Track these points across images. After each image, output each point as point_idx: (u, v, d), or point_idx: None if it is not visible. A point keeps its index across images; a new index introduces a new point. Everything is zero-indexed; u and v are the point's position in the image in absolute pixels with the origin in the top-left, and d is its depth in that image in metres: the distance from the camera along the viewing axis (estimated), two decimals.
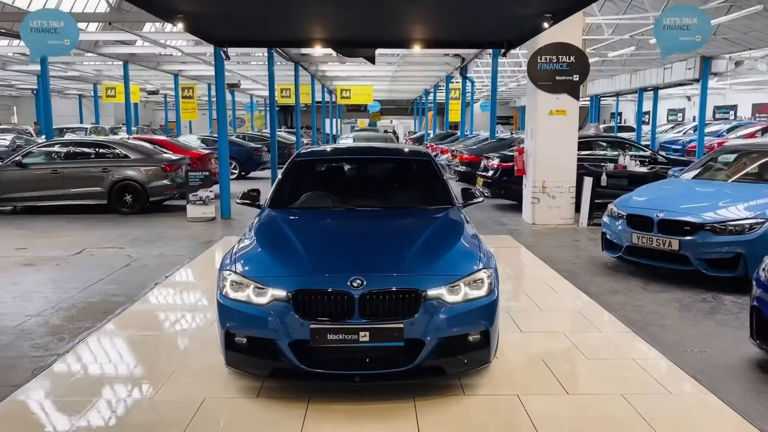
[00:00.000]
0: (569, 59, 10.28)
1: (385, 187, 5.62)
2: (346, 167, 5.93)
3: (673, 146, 24.78)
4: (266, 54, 17.64)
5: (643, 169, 10.64)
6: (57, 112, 41.65)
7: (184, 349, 4.87)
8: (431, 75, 28.36)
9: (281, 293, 3.77)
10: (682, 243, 6.46)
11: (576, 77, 10.33)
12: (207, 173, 11.30)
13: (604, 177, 10.40)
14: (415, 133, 42.26)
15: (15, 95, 43.68)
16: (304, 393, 3.95)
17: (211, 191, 11.27)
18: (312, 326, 3.68)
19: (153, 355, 4.73)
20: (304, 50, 19.07)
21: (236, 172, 19.65)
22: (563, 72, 10.30)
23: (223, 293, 3.95)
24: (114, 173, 11.82)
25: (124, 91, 21.74)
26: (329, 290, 3.73)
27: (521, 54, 24.04)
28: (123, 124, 40.03)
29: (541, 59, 10.28)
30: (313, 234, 4.56)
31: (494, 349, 4.01)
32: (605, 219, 7.59)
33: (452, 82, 27.48)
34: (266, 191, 5.80)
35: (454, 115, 27.96)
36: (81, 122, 37.64)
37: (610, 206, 7.57)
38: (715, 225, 6.33)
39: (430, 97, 36.41)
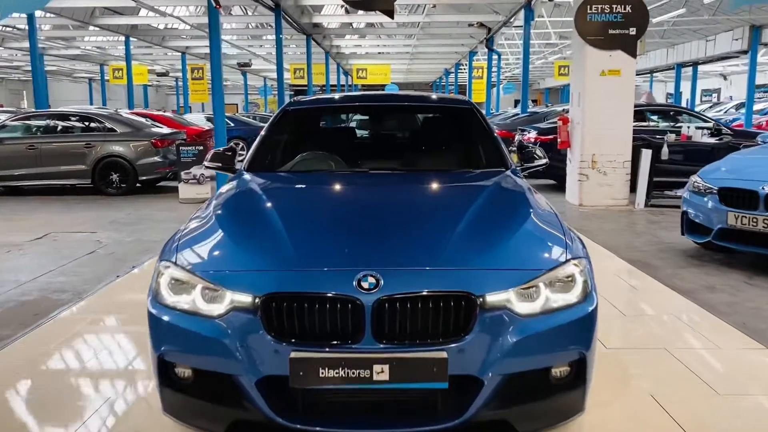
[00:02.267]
0: (624, 9, 8.63)
1: (411, 144, 4.11)
2: (357, 119, 4.41)
3: None
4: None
5: (712, 140, 8.99)
6: (66, 96, 40.98)
7: (114, 389, 3.39)
8: (453, 51, 26.66)
9: (245, 298, 2.29)
10: None
11: (632, 30, 8.68)
12: (201, 148, 9.85)
13: (665, 149, 8.77)
14: None
15: (25, 79, 42.64)
16: None
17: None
18: (293, 355, 2.20)
19: (66, 395, 3.26)
20: (316, 18, 17.51)
21: (244, 152, 18.27)
22: (617, 24, 8.66)
23: (157, 297, 2.48)
24: (98, 149, 10.40)
25: (126, 69, 20.34)
26: (322, 294, 2.24)
27: (549, 23, 22.27)
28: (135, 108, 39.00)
29: (591, 9, 8.64)
30: (304, 208, 3.04)
31: (589, 388, 2.49)
32: (686, 195, 6.01)
33: (475, 59, 25.76)
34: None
35: (477, 95, 26.26)
36: (92, 105, 36.52)
37: (693, 179, 5.98)
38: None
39: (451, 78, 34.68)
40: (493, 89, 24.24)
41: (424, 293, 2.23)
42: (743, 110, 24.11)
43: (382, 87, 42.43)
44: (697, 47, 23.42)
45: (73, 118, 10.94)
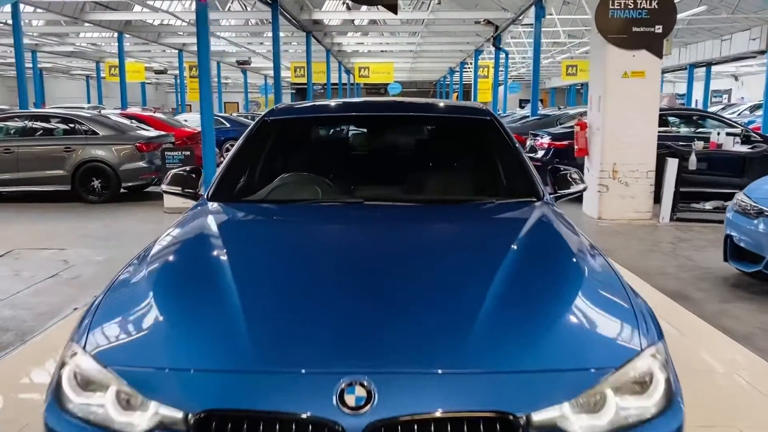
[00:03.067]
0: (650, 5, 7.86)
1: (417, 164, 3.31)
2: (352, 133, 3.64)
3: None
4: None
5: (744, 149, 8.23)
6: (63, 93, 40.28)
7: None
8: (458, 49, 25.87)
9: (175, 415, 1.55)
10: None
11: (658, 28, 7.91)
12: (188, 152, 9.11)
13: (693, 158, 8.01)
14: None
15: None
16: None
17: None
18: None
19: None
20: (316, 15, 16.76)
21: None
22: (642, 21, 7.89)
23: (57, 397, 1.73)
24: (79, 153, 9.67)
25: (119, 66, 19.63)
26: (283, 416, 1.50)
27: (558, 20, 21.50)
28: (132, 107, 38.25)
29: (613, 5, 7.88)
30: (273, 267, 2.18)
31: None
32: (730, 216, 5.25)
33: (481, 58, 24.98)
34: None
35: (483, 94, 25.49)
36: (88, 103, 35.78)
37: (739, 198, 5.23)
38: None
39: (455, 77, 33.90)
40: (500, 88, 23.37)
41: (440, 414, 1.49)
42: (758, 112, 23.36)
43: (385, 86, 41.72)
44: (711, 47, 22.63)
45: (53, 120, 10.21)
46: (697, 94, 30.00)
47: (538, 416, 1.52)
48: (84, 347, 1.76)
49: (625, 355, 1.69)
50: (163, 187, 3.11)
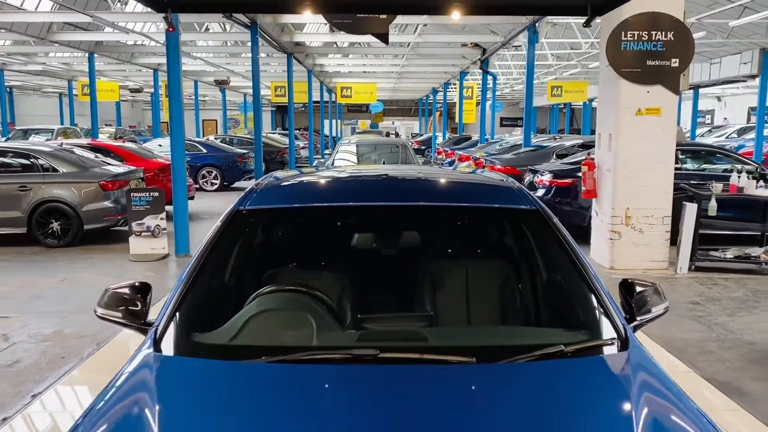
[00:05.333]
0: (666, 36, 7.20)
1: (438, 283, 2.44)
2: (354, 233, 2.76)
3: None
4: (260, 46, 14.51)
5: (767, 193, 7.57)
6: (36, 111, 39.02)
7: None
8: (443, 71, 25.26)
9: None
10: None
11: (675, 62, 7.24)
12: (157, 193, 8.21)
13: (713, 203, 7.32)
14: (420, 135, 39.05)
15: None
16: None
17: (162, 218, 8.18)
18: None
19: None
20: (297, 37, 16.00)
21: (218, 182, 16.69)
22: (657, 54, 7.22)
23: None
24: (36, 192, 8.74)
25: (89, 86, 18.66)
26: None
27: (546, 43, 20.99)
28: (107, 125, 37.03)
29: (626, 36, 7.20)
30: None
31: None
32: None
33: (466, 79, 24.39)
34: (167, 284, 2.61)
35: (467, 115, 24.88)
36: (61, 123, 34.52)
37: None
38: None
39: (439, 96, 33.30)
40: (488, 109, 22.68)
41: None
42: (746, 135, 23.01)
43: (367, 106, 41.02)
44: (700, 69, 22.24)
45: (8, 155, 9.25)
46: (687, 116, 29.69)
47: None
48: None
49: None
50: (99, 311, 2.26)
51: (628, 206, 7.46)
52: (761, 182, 7.76)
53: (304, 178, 3.24)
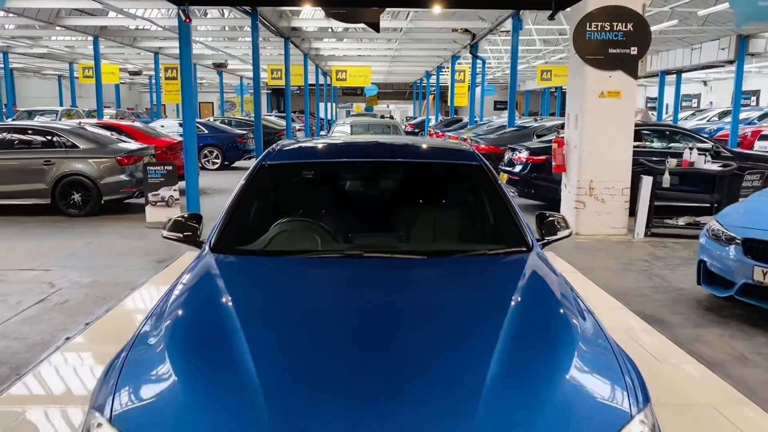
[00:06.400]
0: (626, 27, 8.10)
1: (411, 213, 3.39)
2: (348, 180, 3.74)
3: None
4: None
5: (715, 167, 8.51)
6: (35, 93, 39.61)
7: None
8: (435, 55, 26.06)
9: None
10: None
11: (634, 50, 8.16)
12: (170, 167, 9.12)
13: (666, 176, 8.27)
14: (414, 118, 39.95)
15: None
16: None
17: (175, 189, 9.10)
18: None
19: None
20: (294, 22, 16.79)
21: (219, 161, 17.56)
22: (618, 43, 8.13)
23: None
24: (59, 166, 9.63)
25: (95, 70, 19.42)
26: None
27: (534, 30, 21.80)
28: (106, 107, 37.67)
29: (590, 27, 8.10)
30: (281, 325, 2.27)
31: None
32: (703, 241, 5.49)
33: (458, 63, 25.20)
34: (216, 213, 3.54)
35: (459, 98, 25.72)
36: (61, 104, 35.20)
37: (711, 224, 5.47)
38: None
39: (432, 79, 34.10)
40: (477, 91, 23.52)
41: None
42: (726, 119, 23.94)
43: (362, 89, 41.79)
44: (681, 55, 23.15)
45: (31, 133, 10.13)
46: (668, 99, 30.62)
47: None
48: (110, 419, 1.85)
49: (618, 423, 1.84)
50: (164, 233, 3.20)
51: (592, 179, 8.40)
52: (709, 157, 8.70)
53: (308, 144, 4.22)
